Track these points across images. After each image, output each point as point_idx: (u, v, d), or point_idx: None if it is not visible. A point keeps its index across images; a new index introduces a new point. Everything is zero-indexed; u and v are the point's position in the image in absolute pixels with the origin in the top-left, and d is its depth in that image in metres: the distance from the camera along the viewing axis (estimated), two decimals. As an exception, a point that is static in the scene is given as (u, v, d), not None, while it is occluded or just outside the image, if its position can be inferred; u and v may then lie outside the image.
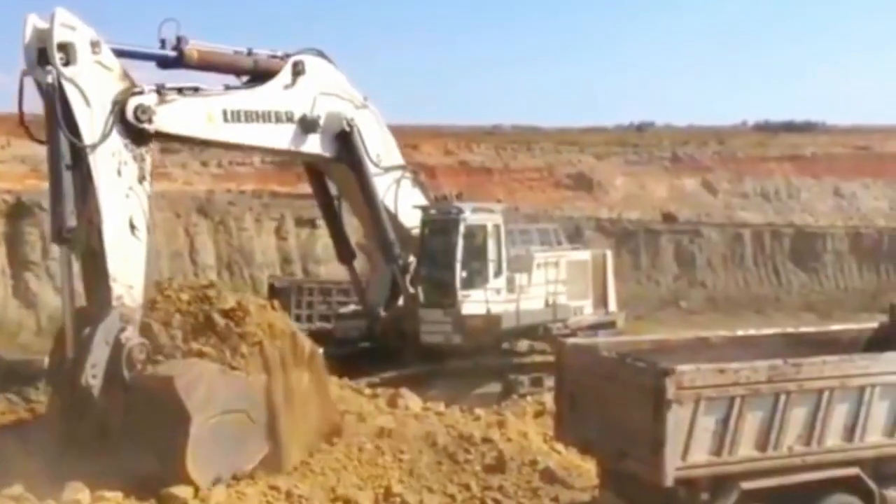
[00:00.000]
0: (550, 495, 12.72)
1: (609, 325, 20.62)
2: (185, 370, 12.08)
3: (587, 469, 12.79)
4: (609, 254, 22.25)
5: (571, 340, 13.53)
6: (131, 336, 12.11)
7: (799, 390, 10.68)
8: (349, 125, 17.04)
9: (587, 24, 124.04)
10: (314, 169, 18.49)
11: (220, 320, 12.58)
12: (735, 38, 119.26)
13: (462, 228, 18.82)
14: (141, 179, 12.84)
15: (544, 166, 54.86)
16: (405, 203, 18.50)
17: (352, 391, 15.53)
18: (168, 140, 13.87)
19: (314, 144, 16.73)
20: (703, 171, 56.85)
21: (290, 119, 15.97)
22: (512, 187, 50.63)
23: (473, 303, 18.68)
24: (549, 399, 14.85)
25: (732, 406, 10.45)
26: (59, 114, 11.85)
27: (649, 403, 10.27)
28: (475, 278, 18.87)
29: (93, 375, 11.73)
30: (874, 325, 14.01)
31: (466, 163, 52.58)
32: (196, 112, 14.17)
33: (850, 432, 10.98)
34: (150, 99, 13.09)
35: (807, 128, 65.17)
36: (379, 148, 17.88)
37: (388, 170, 18.07)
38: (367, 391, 16.05)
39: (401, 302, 18.75)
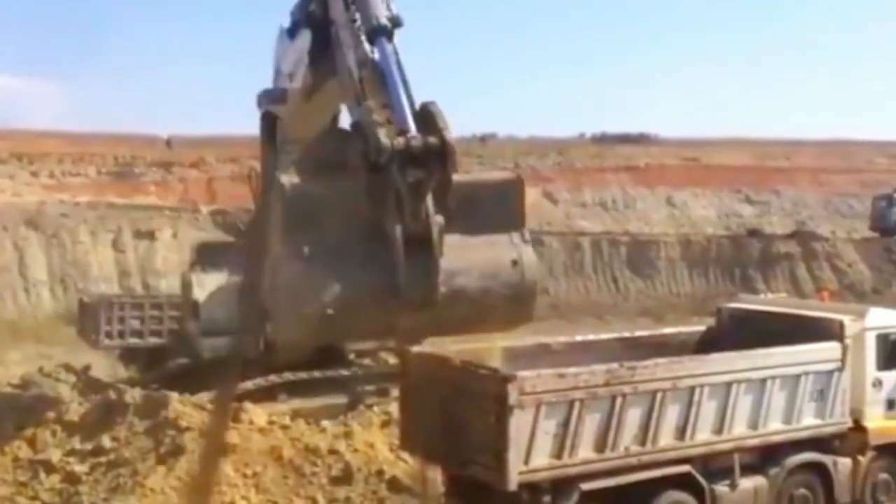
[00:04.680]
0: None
1: None
2: None
3: (433, 478, 12.87)
4: None
5: (416, 349, 13.61)
6: None
7: (634, 392, 11.11)
8: None
9: (429, 33, 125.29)
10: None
11: None
12: (573, 53, 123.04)
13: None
14: None
15: (389, 177, 54.96)
16: None
17: (193, 406, 15.12)
18: None
19: None
20: (544, 182, 58.23)
21: None
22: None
23: None
24: (395, 409, 14.87)
25: (572, 409, 10.77)
26: None
27: (492, 410, 10.46)
28: None
29: None
30: (703, 328, 14.69)
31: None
32: None
33: (681, 431, 11.49)
34: None
35: (641, 140, 67.76)
36: None
37: None
38: (210, 406, 15.65)
39: None
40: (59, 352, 25.81)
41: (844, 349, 12.73)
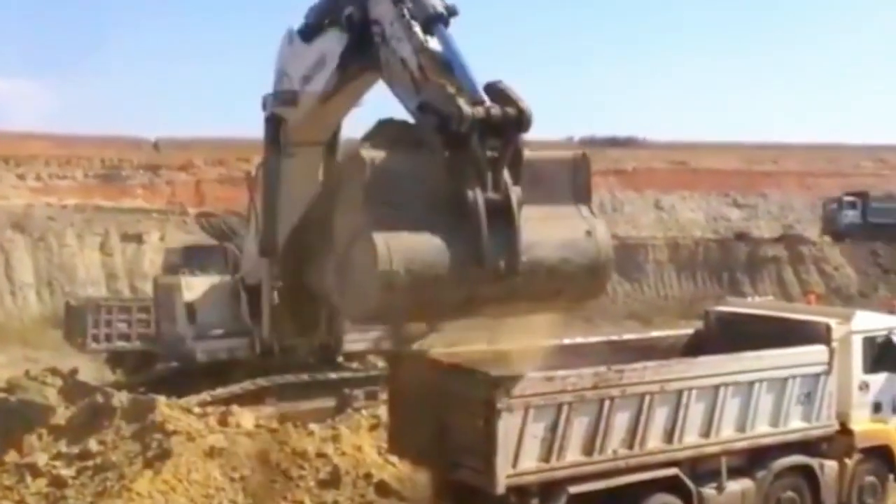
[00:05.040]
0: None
1: None
2: None
3: (422, 481, 12.87)
4: None
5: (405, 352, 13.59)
6: None
7: (622, 395, 11.12)
8: None
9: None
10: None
11: None
12: (561, 56, 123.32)
13: None
14: None
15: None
16: None
17: (180, 410, 15.08)
18: None
19: None
20: (531, 185, 58.24)
21: None
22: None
23: None
24: (384, 412, 14.85)
25: (560, 413, 10.77)
26: None
27: (480, 413, 10.46)
28: None
29: None
30: (690, 331, 14.72)
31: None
32: None
33: (669, 434, 11.51)
34: None
35: (629, 143, 67.89)
36: None
37: None
38: (197, 410, 15.61)
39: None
40: (45, 355, 25.73)
41: (831, 352, 12.78)
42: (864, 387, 13.36)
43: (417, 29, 10.55)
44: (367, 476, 13.35)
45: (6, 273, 39.16)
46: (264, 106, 15.51)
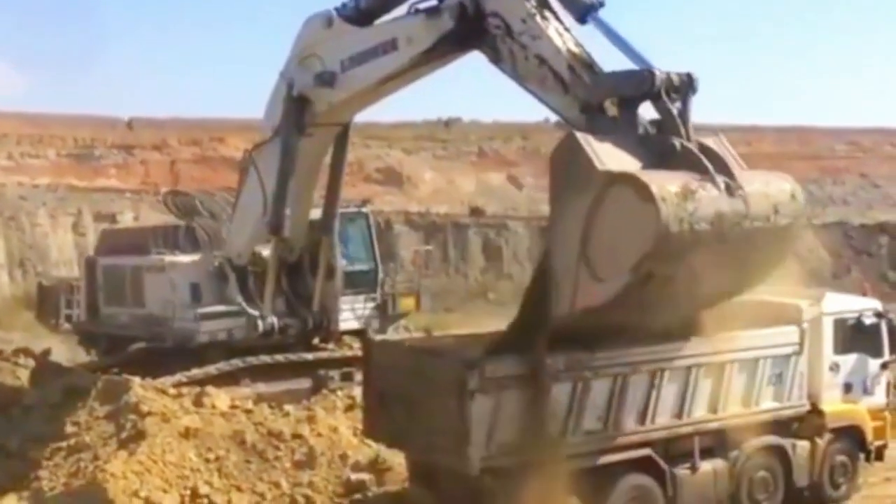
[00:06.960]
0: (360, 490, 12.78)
1: None
2: None
3: (397, 462, 12.92)
4: None
5: (379, 336, 13.62)
6: None
7: (595, 377, 11.17)
8: None
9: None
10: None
11: None
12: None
13: (372, 221, 19.58)
14: None
15: (354, 161, 54.55)
16: None
17: (155, 391, 15.02)
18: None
19: None
20: (508, 166, 58.32)
21: None
22: (321, 182, 50.29)
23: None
24: (359, 393, 14.88)
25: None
26: None
27: (453, 395, 10.50)
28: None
29: None
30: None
31: (275, 156, 51.78)
32: None
33: (642, 415, 11.59)
34: None
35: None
36: None
37: None
38: (172, 391, 15.56)
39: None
40: (17, 336, 25.56)
41: (802, 333, 12.90)
42: (835, 368, 13.50)
43: (553, 30, 11.58)
44: (343, 457, 13.38)
45: (-23, 253, 38.84)
46: (290, 86, 15.53)
